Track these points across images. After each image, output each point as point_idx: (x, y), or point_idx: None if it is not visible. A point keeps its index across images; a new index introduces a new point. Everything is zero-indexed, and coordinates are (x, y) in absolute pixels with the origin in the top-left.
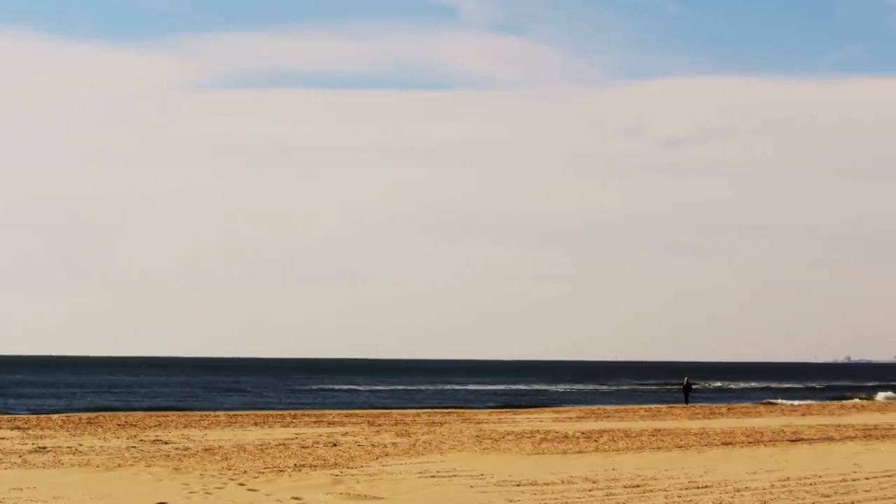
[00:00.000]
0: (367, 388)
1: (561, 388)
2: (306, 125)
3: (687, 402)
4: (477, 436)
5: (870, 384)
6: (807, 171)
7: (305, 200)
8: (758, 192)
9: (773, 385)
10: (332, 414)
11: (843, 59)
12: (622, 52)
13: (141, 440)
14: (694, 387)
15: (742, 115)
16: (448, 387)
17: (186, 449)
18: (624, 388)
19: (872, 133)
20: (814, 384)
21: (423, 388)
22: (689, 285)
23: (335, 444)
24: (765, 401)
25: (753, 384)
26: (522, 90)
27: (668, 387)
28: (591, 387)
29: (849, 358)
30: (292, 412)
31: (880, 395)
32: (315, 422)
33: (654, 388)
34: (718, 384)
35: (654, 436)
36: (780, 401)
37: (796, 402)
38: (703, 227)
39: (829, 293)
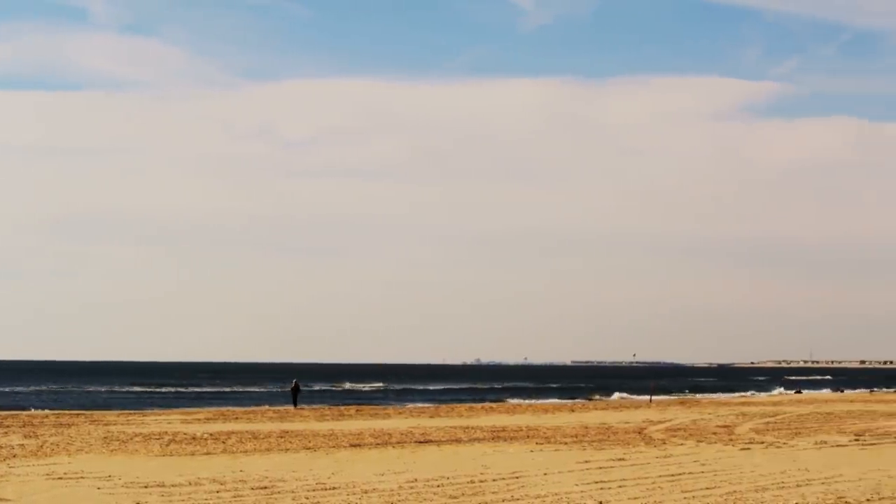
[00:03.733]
0: None
1: (183, 389)
2: None
3: (295, 404)
4: (105, 437)
5: (498, 386)
6: (437, 172)
7: None
8: (387, 193)
9: (412, 387)
10: None
11: (473, 60)
12: (250, 53)
13: None
14: (302, 388)
15: (370, 116)
16: (73, 387)
17: None
18: (256, 389)
19: (504, 134)
20: (444, 385)
21: (46, 388)
22: (318, 286)
23: None
24: (418, 404)
25: (384, 385)
26: (151, 91)
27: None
28: (213, 389)
29: (479, 360)
30: None
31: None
32: None
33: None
34: (348, 385)
35: (282, 437)
36: (412, 403)
37: (427, 405)
38: (331, 229)
39: (458, 295)
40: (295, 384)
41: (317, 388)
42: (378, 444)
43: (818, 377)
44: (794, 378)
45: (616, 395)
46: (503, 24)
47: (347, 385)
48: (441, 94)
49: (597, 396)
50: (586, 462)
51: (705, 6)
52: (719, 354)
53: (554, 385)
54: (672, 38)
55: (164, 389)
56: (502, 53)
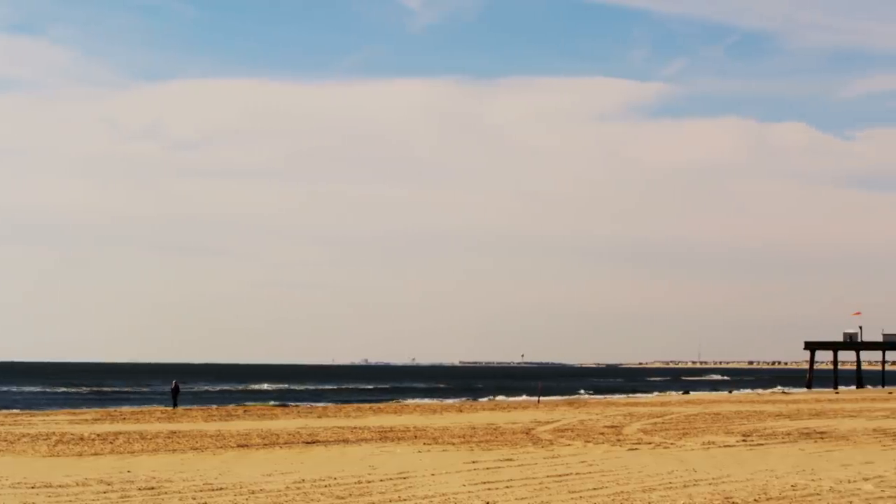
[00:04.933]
0: None
1: (74, 389)
2: None
3: (175, 405)
4: None
5: (386, 386)
6: (326, 172)
7: None
8: (276, 193)
9: (299, 387)
10: None
11: (361, 60)
12: (138, 53)
13: None
14: (183, 389)
15: (259, 116)
16: None
17: None
18: (144, 389)
19: (393, 134)
20: (332, 386)
21: None
22: (205, 287)
23: None
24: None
25: (272, 385)
26: (39, 91)
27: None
28: (101, 389)
29: (367, 360)
30: None
31: (399, 402)
32: None
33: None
34: (237, 386)
35: (170, 438)
36: (300, 403)
37: (315, 405)
38: (220, 228)
39: (346, 295)
40: (175, 385)
41: (204, 388)
42: (265, 444)
43: (718, 377)
44: (691, 379)
45: (504, 396)
46: (391, 25)
47: (236, 385)
48: (330, 94)
49: (485, 397)
50: (474, 462)
51: (593, 7)
52: (607, 355)
53: (442, 385)
54: (560, 39)
55: (50, 390)
56: (390, 53)
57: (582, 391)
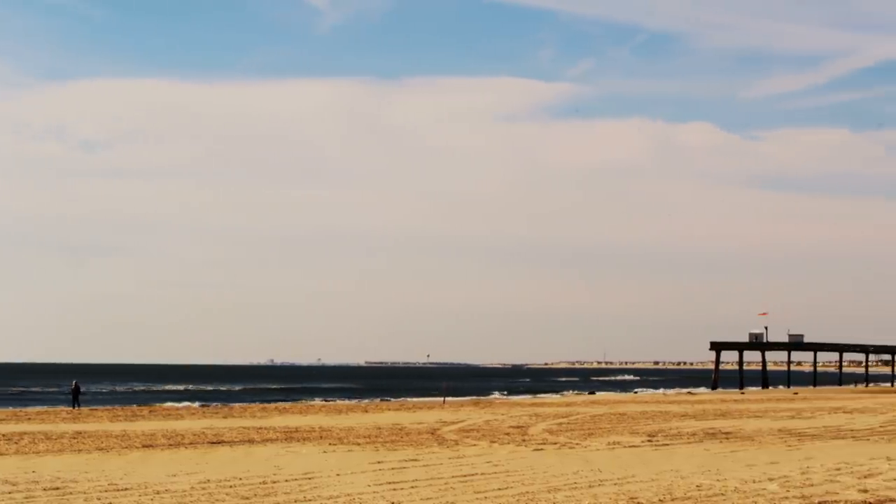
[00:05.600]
0: None
1: None
2: None
3: (75, 405)
4: None
5: (291, 386)
6: (232, 172)
7: None
8: (182, 193)
9: (205, 387)
10: None
11: (268, 60)
12: (46, 53)
13: None
14: (84, 389)
15: (166, 116)
16: None
17: None
18: (50, 390)
19: (300, 134)
20: (238, 386)
21: None
22: (109, 286)
23: None
24: (186, 404)
25: (178, 386)
26: None
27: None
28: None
29: (272, 360)
30: None
31: (305, 402)
32: None
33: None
34: (141, 386)
35: (75, 438)
36: (205, 403)
37: (220, 405)
38: (124, 228)
39: (252, 295)
40: (75, 385)
41: (110, 388)
42: (170, 444)
43: (629, 377)
44: (601, 379)
45: (409, 398)
46: (298, 24)
47: (141, 386)
48: (236, 94)
49: (391, 398)
50: (379, 463)
51: (499, 7)
52: (513, 355)
53: (347, 385)
54: (466, 39)
55: None
56: (297, 53)
57: (496, 392)
